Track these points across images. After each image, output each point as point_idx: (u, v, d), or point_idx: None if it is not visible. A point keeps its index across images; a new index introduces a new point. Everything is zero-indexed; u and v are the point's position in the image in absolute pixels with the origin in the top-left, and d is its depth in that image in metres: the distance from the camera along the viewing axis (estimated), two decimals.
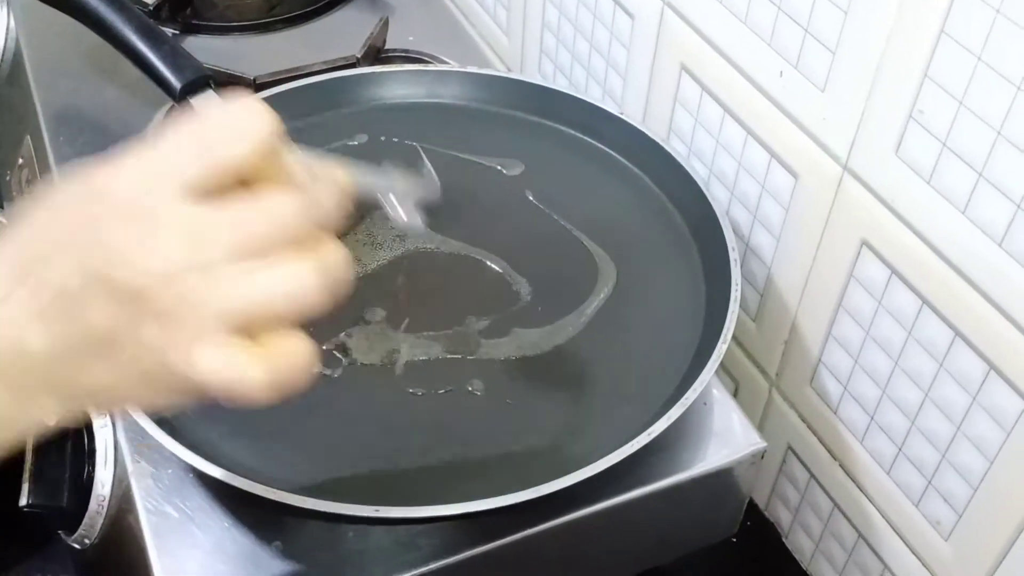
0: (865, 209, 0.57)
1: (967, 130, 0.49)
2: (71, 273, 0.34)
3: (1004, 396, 0.52)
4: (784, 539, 0.75)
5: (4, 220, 0.89)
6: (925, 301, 0.55)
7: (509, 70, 0.93)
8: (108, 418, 0.58)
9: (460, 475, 0.53)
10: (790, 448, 0.71)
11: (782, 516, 0.74)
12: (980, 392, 0.53)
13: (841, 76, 0.56)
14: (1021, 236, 0.48)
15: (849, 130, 0.56)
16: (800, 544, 0.73)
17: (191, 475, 0.55)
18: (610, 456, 0.50)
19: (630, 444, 0.51)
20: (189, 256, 0.33)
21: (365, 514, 0.48)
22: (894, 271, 0.56)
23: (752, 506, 0.76)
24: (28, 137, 0.77)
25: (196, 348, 0.33)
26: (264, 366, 0.34)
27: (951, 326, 0.54)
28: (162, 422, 0.51)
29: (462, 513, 0.49)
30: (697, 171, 0.66)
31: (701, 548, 0.63)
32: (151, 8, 0.84)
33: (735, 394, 0.74)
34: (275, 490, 0.48)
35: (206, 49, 0.76)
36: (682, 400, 0.53)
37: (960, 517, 0.57)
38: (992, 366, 0.52)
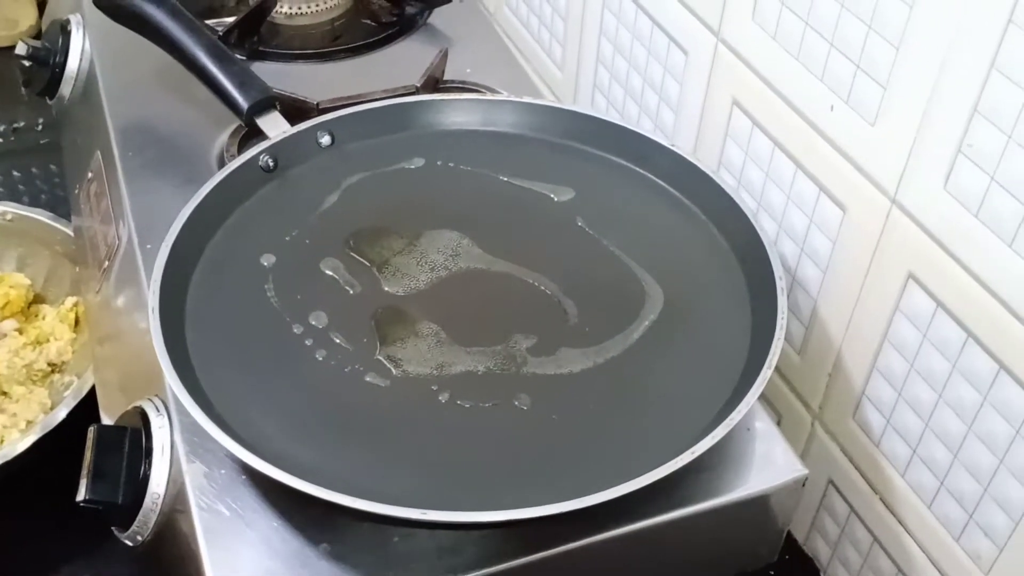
0: (913, 242, 0.58)
1: (1016, 164, 0.50)
2: None
3: None
4: (822, 574, 0.74)
5: (71, 233, 0.92)
6: (970, 334, 0.55)
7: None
8: (166, 417, 0.59)
9: (504, 485, 0.54)
10: (831, 482, 0.71)
11: (821, 550, 0.74)
12: None
13: (892, 110, 0.57)
14: None
15: (898, 164, 0.57)
16: None
17: (244, 475, 0.56)
18: (653, 472, 0.51)
19: (673, 461, 0.52)
20: None
21: (412, 516, 0.49)
22: (940, 304, 0.57)
23: (791, 540, 0.76)
24: (98, 151, 0.80)
25: None
26: None
27: (995, 358, 0.54)
28: (219, 422, 0.53)
29: (505, 520, 0.50)
30: (746, 203, 0.67)
31: None
32: (220, 34, 0.88)
33: (778, 425, 0.74)
34: (326, 490, 0.49)
35: (272, 75, 0.78)
36: (727, 420, 0.53)
37: (1001, 551, 0.57)
38: None
